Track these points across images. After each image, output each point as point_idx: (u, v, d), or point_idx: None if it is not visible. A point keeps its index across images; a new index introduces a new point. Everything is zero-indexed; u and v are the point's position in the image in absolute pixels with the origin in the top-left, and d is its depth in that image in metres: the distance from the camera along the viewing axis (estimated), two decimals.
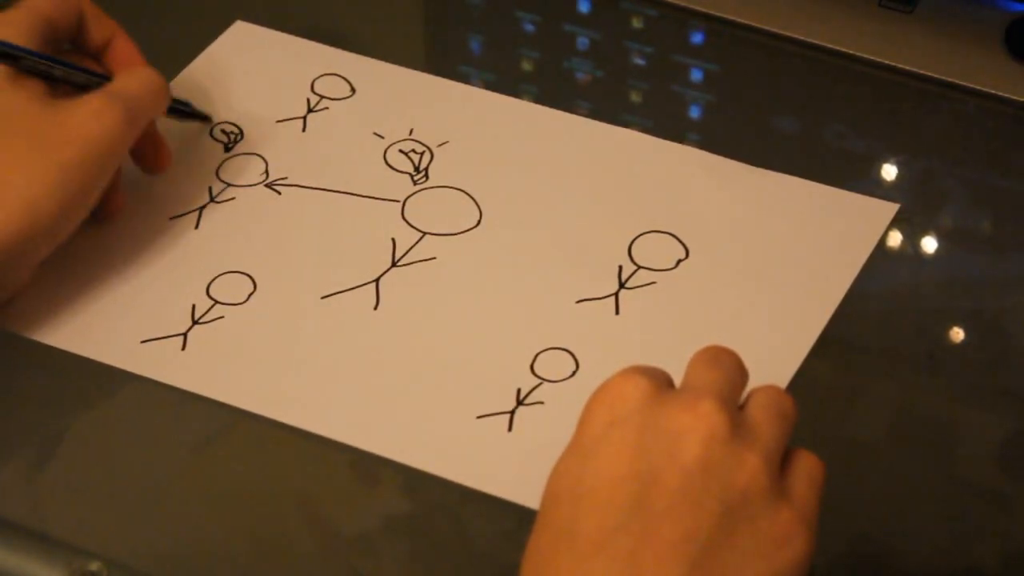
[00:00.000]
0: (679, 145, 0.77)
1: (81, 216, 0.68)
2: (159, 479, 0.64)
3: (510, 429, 0.65)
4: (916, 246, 0.75)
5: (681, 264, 0.72)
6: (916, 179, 0.79)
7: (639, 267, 0.71)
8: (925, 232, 0.75)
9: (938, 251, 0.75)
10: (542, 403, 0.66)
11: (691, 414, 0.52)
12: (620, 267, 0.71)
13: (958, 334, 0.71)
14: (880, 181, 0.78)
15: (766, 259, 0.72)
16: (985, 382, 0.69)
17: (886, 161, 0.79)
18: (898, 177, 0.78)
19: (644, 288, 0.71)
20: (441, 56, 0.83)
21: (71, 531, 0.61)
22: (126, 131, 0.68)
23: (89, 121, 0.67)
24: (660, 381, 0.54)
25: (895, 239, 0.75)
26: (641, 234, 0.73)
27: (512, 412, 0.66)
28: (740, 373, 0.56)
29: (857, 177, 0.77)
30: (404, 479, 0.64)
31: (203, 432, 0.65)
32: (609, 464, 0.51)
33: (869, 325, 0.71)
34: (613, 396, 0.53)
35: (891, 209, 0.74)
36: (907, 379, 0.69)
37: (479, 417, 0.65)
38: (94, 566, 0.59)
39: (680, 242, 0.73)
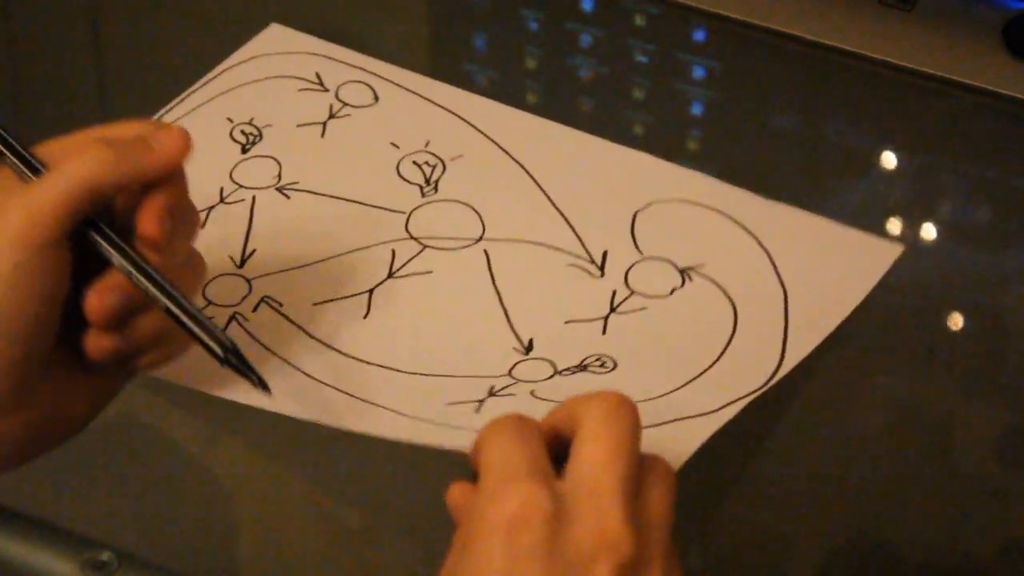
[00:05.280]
0: (691, 171, 0.76)
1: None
2: (169, 471, 0.64)
3: (478, 411, 0.65)
4: (915, 241, 0.75)
5: (676, 292, 0.71)
6: (915, 174, 0.79)
7: (633, 292, 0.71)
8: (924, 226, 0.76)
9: (937, 246, 0.75)
10: (513, 395, 0.66)
11: (599, 539, 0.48)
12: (614, 292, 0.71)
13: (957, 329, 0.72)
14: (879, 177, 0.78)
15: (761, 293, 0.71)
16: (984, 376, 0.70)
17: (885, 157, 0.79)
18: (897, 172, 0.79)
19: (634, 313, 0.70)
20: (446, 54, 0.84)
21: (82, 522, 0.62)
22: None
23: None
24: (550, 481, 0.49)
25: (894, 232, 0.75)
26: (639, 260, 0.72)
27: (482, 401, 0.66)
28: (638, 428, 0.52)
29: (857, 173, 0.78)
30: (410, 473, 0.65)
31: (212, 425, 0.66)
32: None
33: (869, 320, 0.71)
34: (513, 523, 0.48)
35: (895, 251, 0.72)
36: (906, 373, 0.70)
37: (450, 404, 0.65)
38: (104, 556, 0.60)
39: (678, 270, 0.72)
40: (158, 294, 0.55)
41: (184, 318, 0.55)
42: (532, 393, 0.66)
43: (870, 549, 0.63)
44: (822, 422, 0.67)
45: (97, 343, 0.56)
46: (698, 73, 0.84)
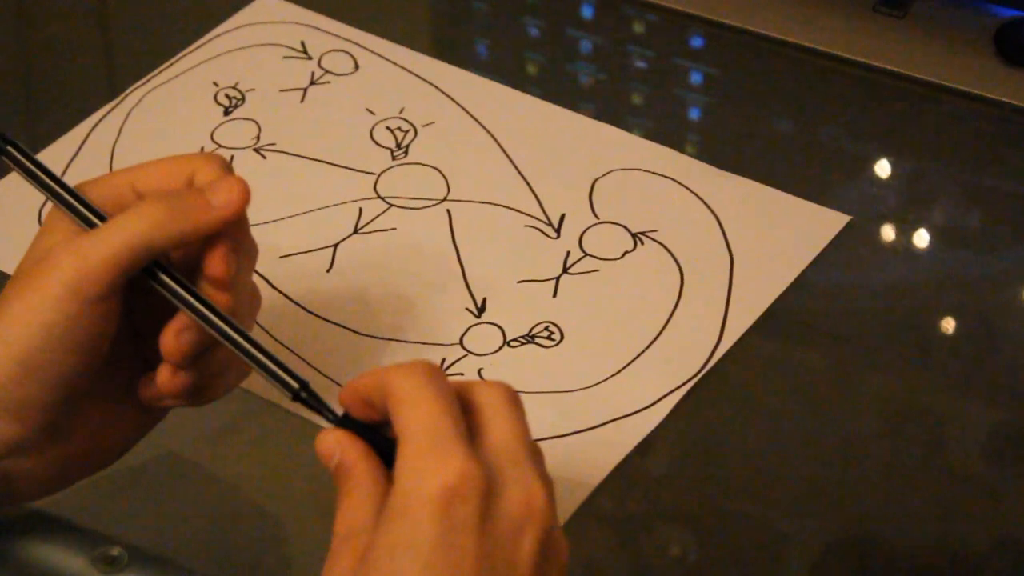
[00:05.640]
0: (651, 143, 0.78)
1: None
2: (177, 468, 0.64)
3: None
4: (908, 243, 0.75)
5: (627, 255, 0.73)
6: (908, 178, 0.79)
7: (586, 254, 0.73)
8: (917, 229, 0.76)
9: (929, 248, 0.75)
10: (461, 374, 0.68)
11: (526, 509, 0.49)
12: (568, 253, 0.73)
13: (948, 329, 0.72)
14: (874, 180, 0.79)
15: (709, 258, 0.73)
16: (974, 375, 0.70)
17: (879, 161, 0.79)
18: (891, 176, 0.79)
19: (586, 275, 0.72)
20: (449, 59, 0.84)
21: (93, 518, 0.62)
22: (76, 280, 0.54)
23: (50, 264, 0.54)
24: (475, 449, 0.49)
25: (888, 236, 0.75)
26: (595, 224, 0.74)
27: None
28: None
29: (851, 176, 0.78)
30: None
31: (220, 422, 0.66)
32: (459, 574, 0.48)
33: (862, 320, 0.72)
34: (449, 495, 0.48)
35: (841, 220, 0.74)
36: (899, 372, 0.70)
37: None
38: (115, 551, 0.60)
39: (631, 234, 0.74)
40: (228, 336, 0.54)
41: (259, 358, 0.54)
42: (480, 373, 0.68)
43: (865, 544, 0.64)
44: (817, 420, 0.68)
45: (171, 379, 0.56)
46: (696, 79, 0.84)
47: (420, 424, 0.49)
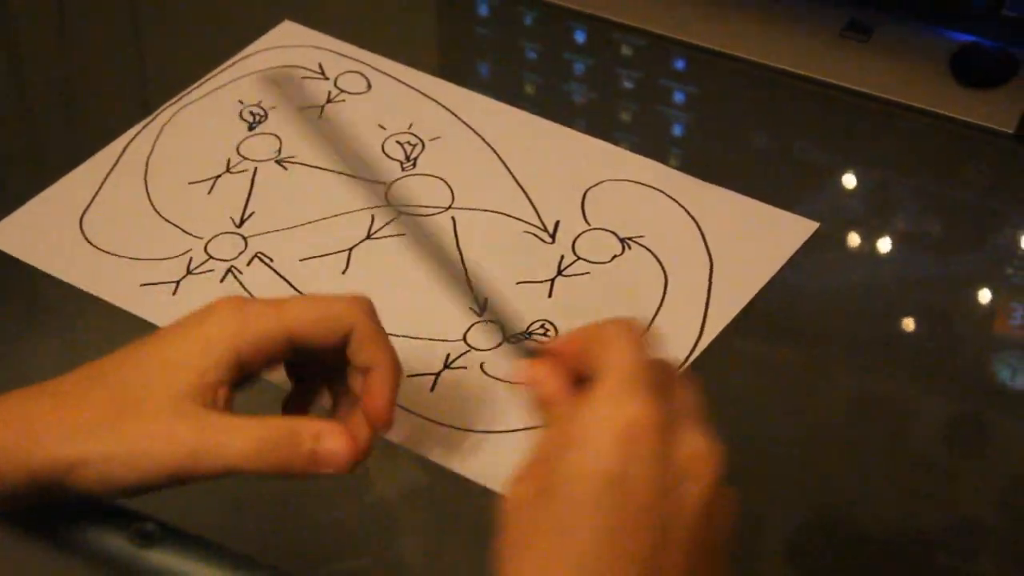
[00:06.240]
0: (638, 156, 0.80)
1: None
2: None
3: (432, 390, 0.69)
4: (873, 247, 0.78)
5: (616, 259, 0.75)
6: (872, 189, 0.82)
7: (578, 258, 0.75)
8: (881, 235, 0.78)
9: (892, 252, 0.78)
10: (465, 368, 0.70)
11: (709, 454, 0.50)
12: (562, 256, 0.75)
13: (910, 326, 0.75)
14: (840, 190, 0.81)
15: (690, 262, 0.75)
16: (934, 368, 0.72)
17: (846, 173, 0.82)
18: (856, 187, 0.81)
19: (578, 277, 0.74)
20: (454, 80, 0.86)
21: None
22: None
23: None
24: (664, 396, 0.50)
25: (855, 241, 0.77)
26: (586, 230, 0.77)
27: (437, 374, 0.70)
28: None
29: (820, 187, 0.80)
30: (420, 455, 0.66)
31: (248, 402, 0.64)
32: (631, 505, 0.48)
33: (830, 318, 0.74)
34: (631, 427, 0.48)
35: (810, 227, 0.76)
36: (865, 365, 0.72)
37: (409, 376, 0.69)
38: (149, 527, 0.60)
39: (619, 240, 0.76)
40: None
41: None
42: (482, 367, 0.70)
43: (835, 525, 0.65)
44: (790, 410, 0.69)
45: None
46: (679, 98, 0.87)
47: (622, 364, 0.50)
